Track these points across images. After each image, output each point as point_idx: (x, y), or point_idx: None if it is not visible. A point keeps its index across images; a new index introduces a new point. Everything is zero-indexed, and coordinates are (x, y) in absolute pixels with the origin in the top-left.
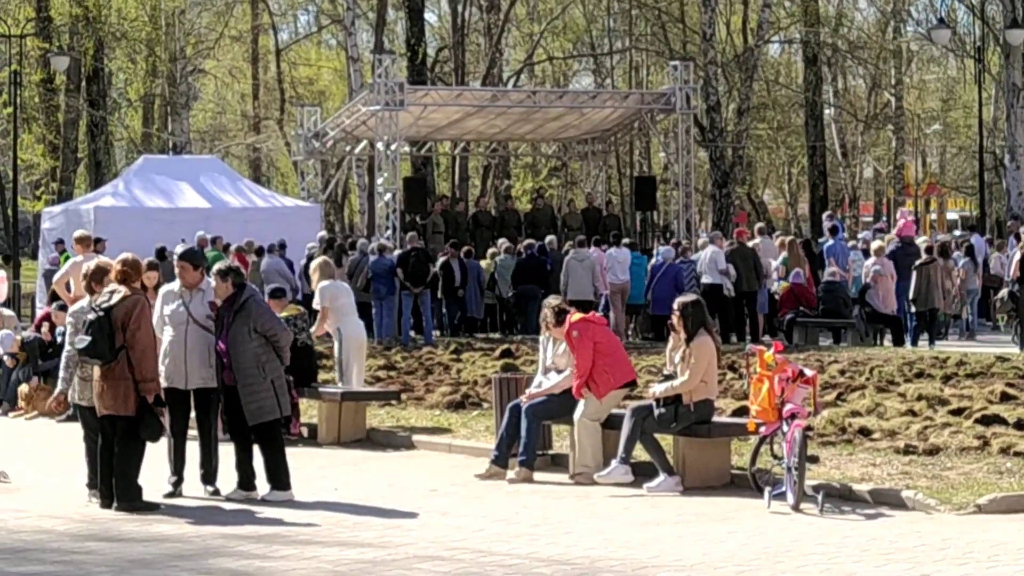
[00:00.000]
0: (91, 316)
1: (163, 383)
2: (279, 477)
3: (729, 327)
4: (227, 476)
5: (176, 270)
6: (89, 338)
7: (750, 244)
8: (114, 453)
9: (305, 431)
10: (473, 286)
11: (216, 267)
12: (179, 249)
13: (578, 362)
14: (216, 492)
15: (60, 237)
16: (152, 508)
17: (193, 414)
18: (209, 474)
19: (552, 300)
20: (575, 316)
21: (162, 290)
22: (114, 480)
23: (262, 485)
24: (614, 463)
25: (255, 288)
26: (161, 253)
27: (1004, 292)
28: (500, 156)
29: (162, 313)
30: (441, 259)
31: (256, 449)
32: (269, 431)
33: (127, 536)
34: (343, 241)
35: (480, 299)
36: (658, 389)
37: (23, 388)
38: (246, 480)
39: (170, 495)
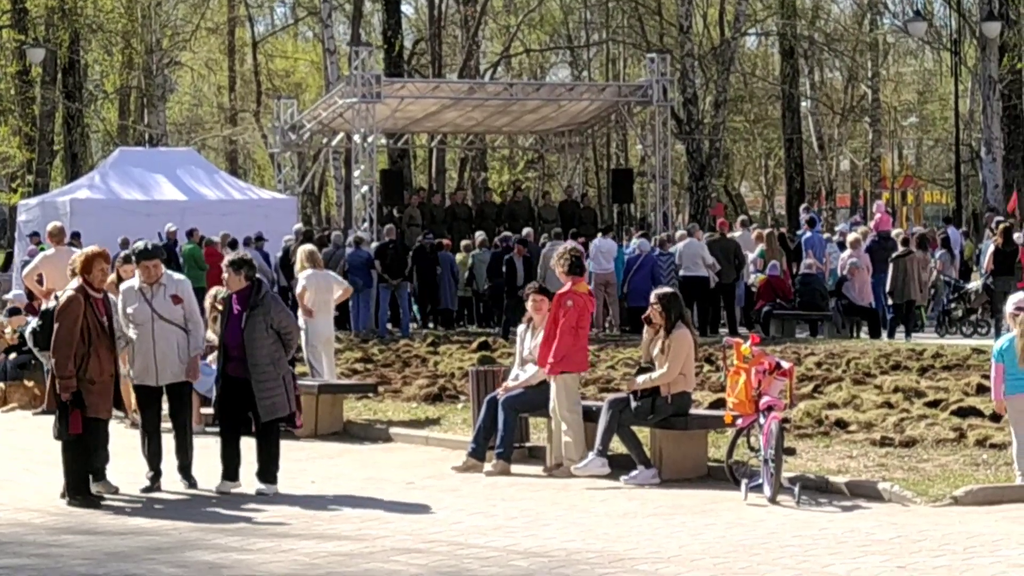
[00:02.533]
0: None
1: (134, 381)
2: (273, 471)
3: (708, 320)
4: (199, 468)
5: (142, 269)
6: (37, 323)
7: (730, 236)
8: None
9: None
10: (447, 279)
11: (228, 259)
12: (139, 246)
13: (562, 330)
14: (193, 484)
15: (35, 230)
16: (95, 504)
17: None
18: (186, 467)
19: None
20: (584, 287)
21: (122, 287)
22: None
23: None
24: (591, 455)
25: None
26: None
27: (978, 284)
28: (477, 148)
29: (124, 312)
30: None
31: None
32: (273, 427)
33: (104, 529)
34: (320, 234)
35: (454, 291)
36: (636, 381)
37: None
38: (233, 471)
39: (147, 490)
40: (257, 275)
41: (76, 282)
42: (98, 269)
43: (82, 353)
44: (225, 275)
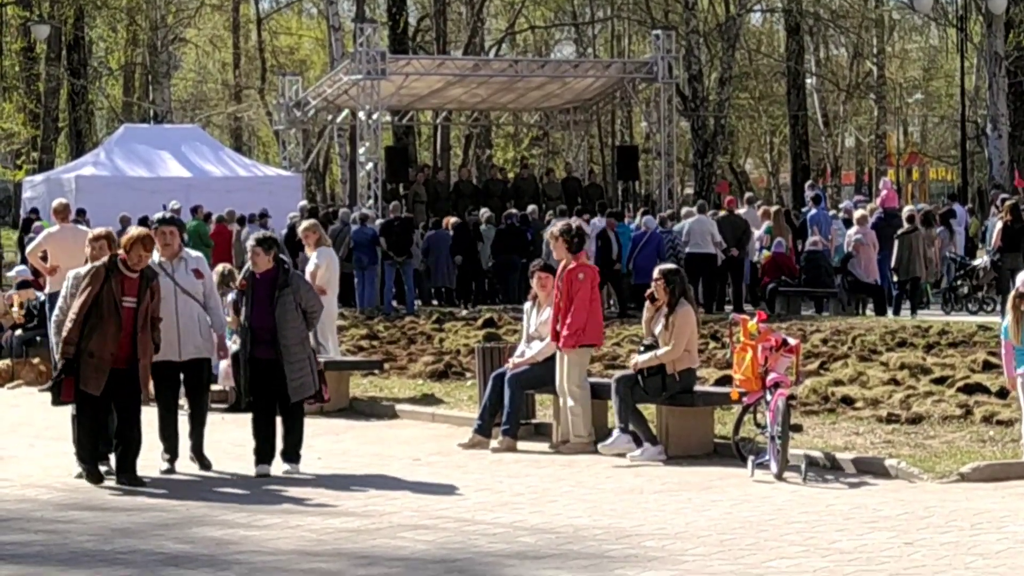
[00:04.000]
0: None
1: (154, 357)
2: (298, 451)
3: (714, 296)
4: (211, 451)
5: (159, 236)
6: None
7: (738, 212)
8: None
9: None
10: (445, 256)
11: (256, 238)
12: (158, 216)
13: (577, 304)
14: (207, 466)
15: (35, 207)
16: (100, 479)
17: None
18: (198, 448)
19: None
20: (586, 259)
21: None
22: None
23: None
24: (616, 433)
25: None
26: (144, 223)
27: (986, 261)
28: (482, 125)
29: None
30: (598, 228)
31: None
32: (300, 406)
33: (111, 505)
34: (325, 211)
35: (452, 269)
36: (641, 359)
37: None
38: (269, 453)
39: (168, 472)
40: (281, 254)
41: (107, 257)
42: (135, 254)
43: (91, 324)
44: (251, 254)
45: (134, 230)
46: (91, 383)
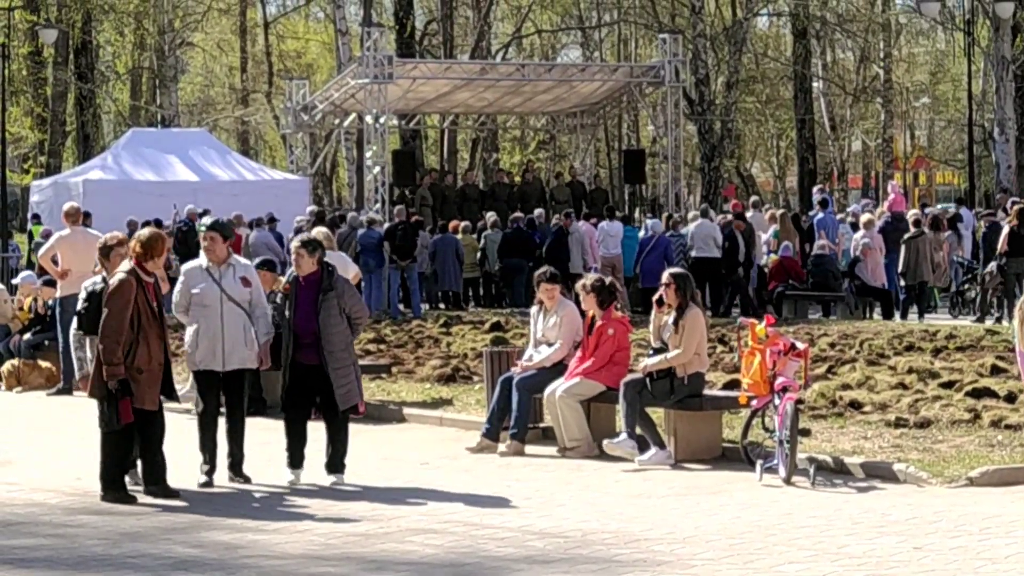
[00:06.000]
0: (97, 287)
1: (198, 366)
2: (344, 461)
3: (720, 301)
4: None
5: (205, 243)
6: (83, 306)
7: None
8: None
9: None
10: (452, 260)
11: (300, 240)
12: (207, 220)
13: (601, 351)
14: (247, 480)
15: (36, 212)
16: (129, 500)
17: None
18: (238, 462)
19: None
20: (617, 313)
21: (185, 268)
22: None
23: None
24: (623, 435)
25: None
26: (147, 226)
27: (992, 266)
28: (488, 129)
29: (187, 293)
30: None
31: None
32: (346, 415)
33: (119, 510)
34: (333, 214)
35: (459, 273)
36: (650, 362)
37: (6, 365)
38: (300, 460)
39: (206, 484)
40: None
41: (127, 264)
42: (155, 258)
43: (130, 340)
44: (295, 256)
45: (144, 232)
46: (147, 399)
